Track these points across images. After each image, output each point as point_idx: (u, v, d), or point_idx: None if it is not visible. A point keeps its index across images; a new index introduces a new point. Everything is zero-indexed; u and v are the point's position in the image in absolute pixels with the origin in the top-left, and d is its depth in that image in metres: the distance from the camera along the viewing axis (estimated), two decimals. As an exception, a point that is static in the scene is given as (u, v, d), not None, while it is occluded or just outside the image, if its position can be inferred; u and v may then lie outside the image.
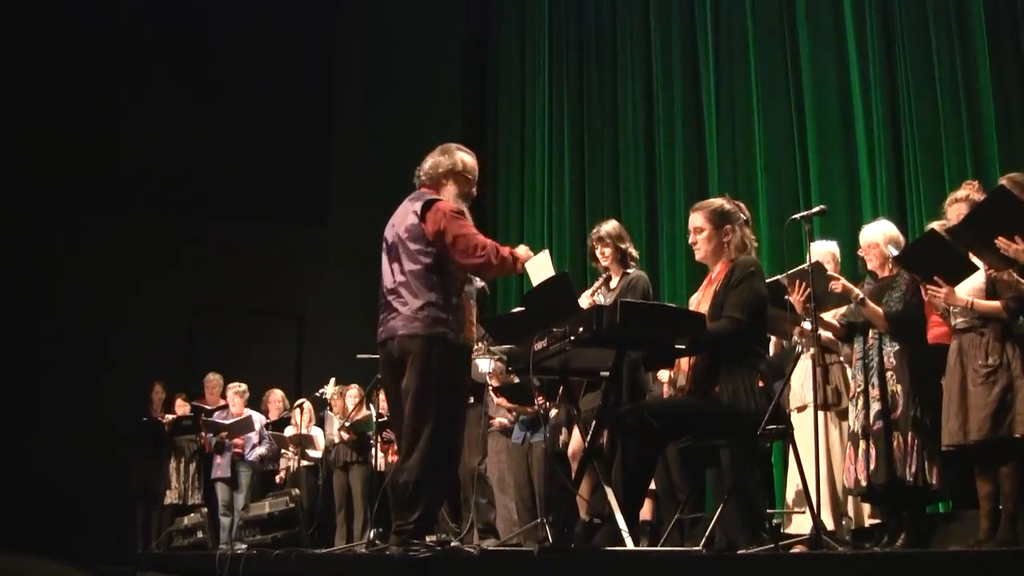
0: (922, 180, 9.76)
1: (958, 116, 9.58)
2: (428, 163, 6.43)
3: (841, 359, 7.79)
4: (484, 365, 8.18)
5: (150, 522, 13.51)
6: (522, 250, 6.46)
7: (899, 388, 7.02)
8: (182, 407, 13.56)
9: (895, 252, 7.32)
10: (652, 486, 8.22)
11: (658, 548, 6.21)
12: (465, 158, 6.49)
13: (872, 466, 7.00)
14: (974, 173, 8.90)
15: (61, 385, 14.96)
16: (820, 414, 7.46)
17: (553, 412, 8.98)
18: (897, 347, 7.09)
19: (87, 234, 15.75)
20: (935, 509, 7.65)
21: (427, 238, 6.12)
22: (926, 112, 9.88)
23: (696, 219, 6.10)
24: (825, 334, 7.48)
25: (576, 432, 7.83)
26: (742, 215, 6.12)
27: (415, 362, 6.02)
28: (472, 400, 8.50)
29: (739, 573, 4.06)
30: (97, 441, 14.28)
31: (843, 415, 7.65)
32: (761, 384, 5.77)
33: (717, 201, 6.17)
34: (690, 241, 6.17)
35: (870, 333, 7.24)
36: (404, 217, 6.25)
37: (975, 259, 6.54)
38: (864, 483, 7.04)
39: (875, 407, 7.07)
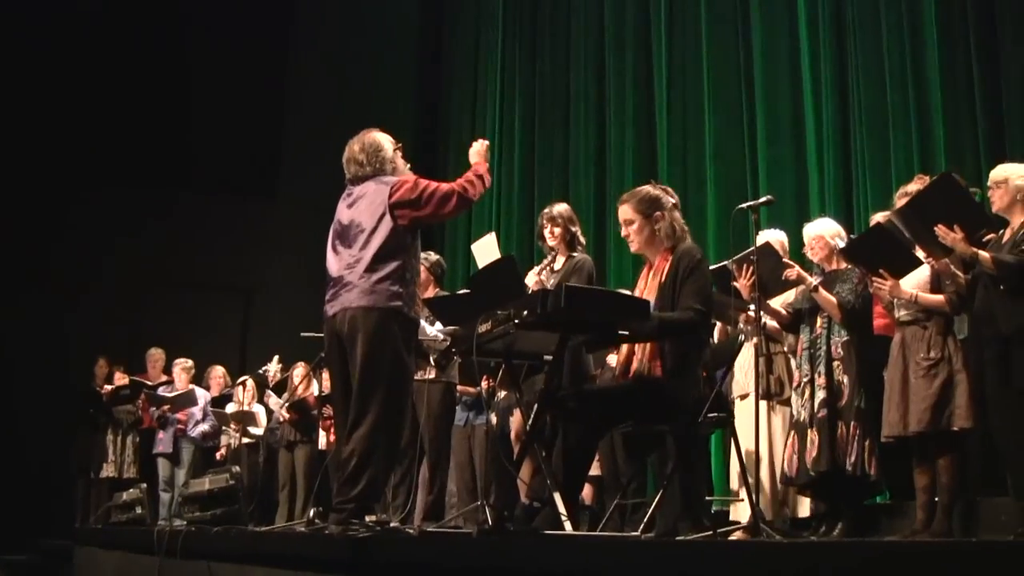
0: (869, 172, 9.83)
1: (906, 110, 9.65)
2: (364, 155, 6.44)
3: (785, 349, 7.82)
4: (432, 330, 8.15)
5: (90, 496, 13.42)
6: (473, 154, 6.65)
7: (845, 378, 7.06)
8: (120, 380, 13.43)
9: (841, 244, 7.37)
10: (594, 471, 8.26)
11: (597, 533, 6.22)
12: (386, 137, 6.57)
13: (815, 453, 7.05)
14: (920, 166, 8.99)
15: (4, 359, 14.83)
16: (769, 403, 7.53)
17: (502, 394, 8.96)
18: (845, 337, 7.13)
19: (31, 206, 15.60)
20: (874, 501, 7.71)
21: (398, 219, 6.21)
22: (875, 105, 9.95)
23: (625, 211, 6.07)
24: (771, 323, 7.51)
25: (518, 415, 7.83)
26: (670, 199, 6.08)
27: (368, 334, 6.07)
28: (435, 374, 8.47)
29: (676, 559, 4.07)
30: (40, 414, 14.17)
31: (785, 404, 7.68)
32: (704, 374, 5.80)
33: (643, 189, 6.13)
34: (622, 234, 6.15)
35: (818, 322, 7.27)
36: (369, 201, 6.30)
37: (918, 250, 6.61)
38: (811, 472, 7.07)
39: (820, 396, 7.11)
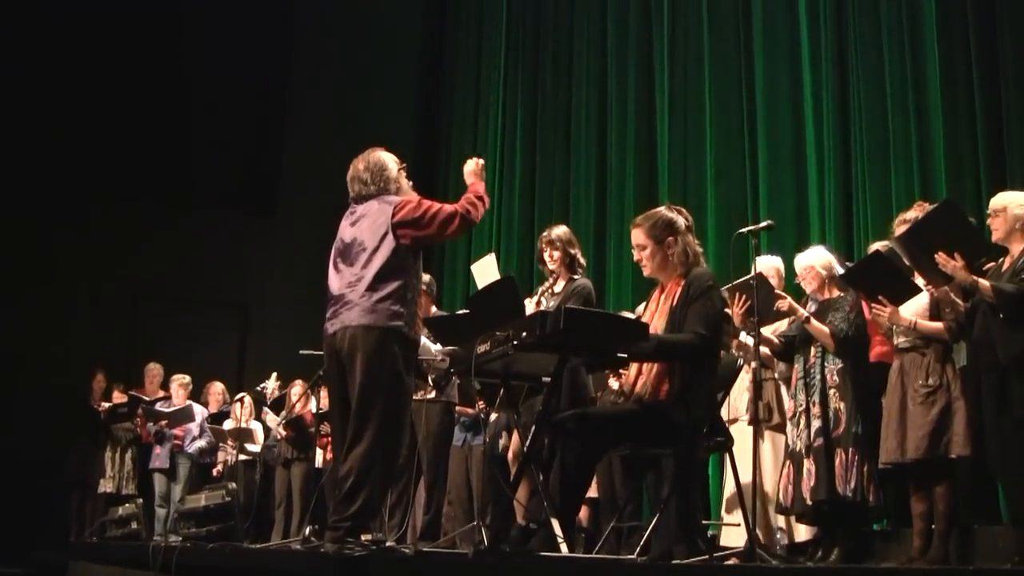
0: (869, 197, 9.84)
1: (907, 135, 9.66)
2: (368, 175, 6.43)
3: (775, 376, 7.83)
4: (434, 348, 8.14)
5: (84, 511, 13.39)
6: (469, 174, 6.65)
7: (842, 405, 7.06)
8: (119, 398, 13.41)
9: (839, 271, 7.39)
10: (591, 493, 8.24)
11: (593, 555, 6.22)
12: (391, 156, 6.55)
13: (812, 483, 7.04)
14: (921, 193, 9.01)
15: (1, 372, 14.80)
16: (758, 428, 7.51)
17: (493, 416, 8.95)
18: (840, 365, 7.13)
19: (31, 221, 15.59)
20: (871, 527, 7.70)
21: (400, 239, 6.20)
22: (876, 130, 9.96)
23: (637, 236, 6.02)
24: (762, 349, 7.52)
25: (516, 436, 7.83)
26: (683, 222, 6.01)
27: (367, 352, 6.04)
28: (435, 393, 8.45)
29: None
30: (36, 428, 14.14)
31: (774, 431, 7.69)
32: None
33: (657, 212, 6.06)
34: (635, 259, 6.12)
35: (812, 351, 7.28)
36: (372, 220, 6.29)
37: (917, 278, 6.62)
38: (809, 501, 7.07)
39: (816, 424, 7.11)
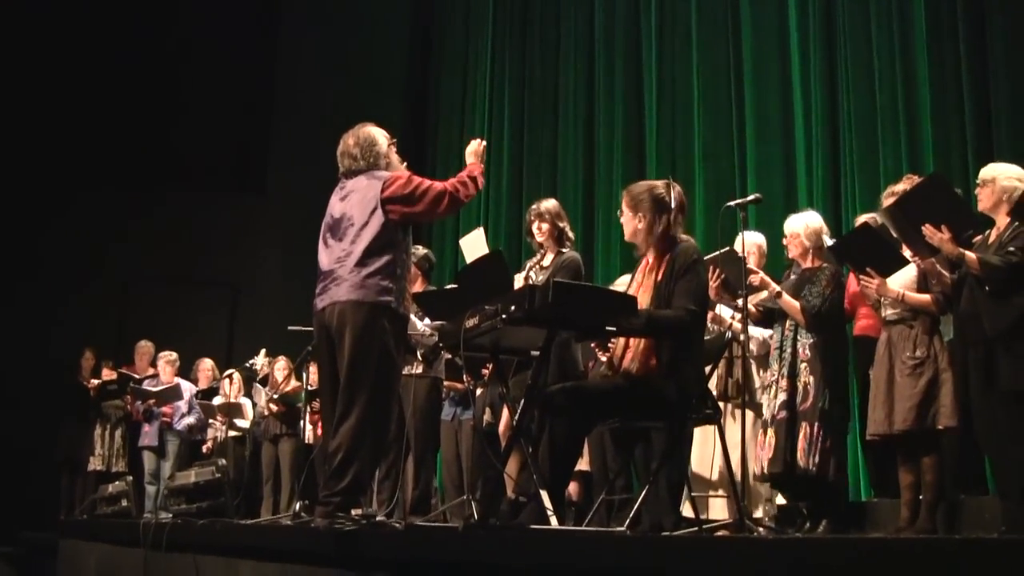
0: (857, 173, 9.87)
1: (895, 112, 9.68)
2: (358, 150, 6.42)
3: (747, 354, 7.86)
4: (421, 325, 8.13)
5: (74, 489, 13.39)
6: (469, 154, 6.62)
7: (811, 379, 7.09)
8: (108, 374, 13.40)
9: (828, 242, 7.41)
10: (582, 467, 8.26)
11: (582, 528, 6.23)
12: (381, 131, 6.55)
13: (770, 455, 7.10)
14: (908, 166, 9.05)
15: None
16: (743, 403, 7.56)
17: (479, 391, 8.96)
18: (812, 339, 7.16)
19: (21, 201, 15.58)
20: (858, 498, 7.74)
21: (389, 214, 6.20)
22: (864, 106, 9.99)
23: (624, 201, 6.02)
24: (737, 324, 7.54)
25: (505, 411, 7.84)
26: (674, 201, 5.92)
27: (356, 329, 6.06)
28: (422, 368, 8.45)
29: (663, 555, 4.08)
30: (25, 407, 14.15)
31: (738, 407, 7.72)
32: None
33: (647, 186, 6.01)
34: (619, 217, 6.14)
35: (787, 323, 7.31)
36: (361, 196, 6.28)
37: (905, 250, 6.64)
38: (768, 472, 7.14)
39: (781, 398, 7.15)
